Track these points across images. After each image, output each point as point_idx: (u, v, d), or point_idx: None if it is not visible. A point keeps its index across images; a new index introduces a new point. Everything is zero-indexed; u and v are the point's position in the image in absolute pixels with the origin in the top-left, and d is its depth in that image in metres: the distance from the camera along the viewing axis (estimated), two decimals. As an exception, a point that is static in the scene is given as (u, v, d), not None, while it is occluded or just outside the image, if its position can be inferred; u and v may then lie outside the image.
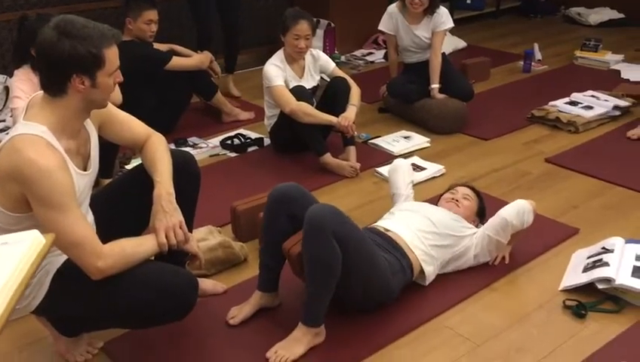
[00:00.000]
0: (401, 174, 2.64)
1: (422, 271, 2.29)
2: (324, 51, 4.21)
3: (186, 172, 2.01)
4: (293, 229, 2.11)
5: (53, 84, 1.69)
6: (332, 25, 5.26)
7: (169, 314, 1.86)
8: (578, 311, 2.20)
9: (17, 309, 2.14)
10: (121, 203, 2.00)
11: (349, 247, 1.97)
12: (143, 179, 1.94)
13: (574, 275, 2.36)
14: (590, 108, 3.84)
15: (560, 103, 3.91)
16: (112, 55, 1.70)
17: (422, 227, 2.32)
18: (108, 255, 1.70)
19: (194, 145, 3.60)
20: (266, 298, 2.22)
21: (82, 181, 1.78)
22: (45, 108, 1.71)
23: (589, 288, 2.28)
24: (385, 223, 2.38)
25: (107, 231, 1.82)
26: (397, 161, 2.73)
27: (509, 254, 2.49)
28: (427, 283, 2.33)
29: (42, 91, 1.74)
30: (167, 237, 1.82)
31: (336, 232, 1.94)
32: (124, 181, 2.14)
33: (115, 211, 1.98)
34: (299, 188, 2.20)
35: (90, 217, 1.93)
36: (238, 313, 2.19)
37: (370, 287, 2.12)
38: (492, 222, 2.38)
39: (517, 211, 2.34)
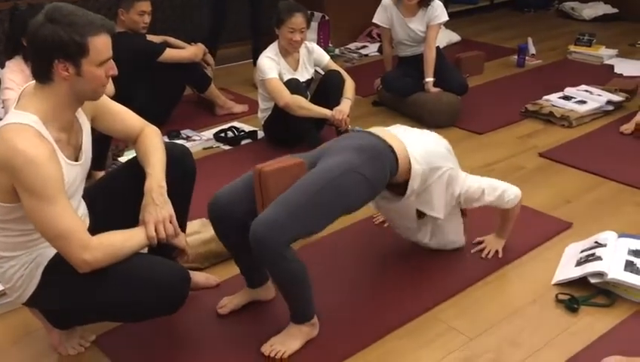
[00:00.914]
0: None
1: (409, 168, 2.15)
2: (318, 44, 4.19)
3: (181, 166, 2.00)
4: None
5: (40, 70, 1.69)
6: (326, 17, 5.24)
7: (159, 307, 1.85)
8: (570, 305, 2.20)
9: (9, 302, 2.16)
10: (115, 195, 1.99)
11: (311, 228, 1.92)
12: (136, 172, 1.92)
13: (567, 269, 2.37)
14: (584, 102, 3.85)
15: (554, 98, 3.92)
16: (99, 44, 1.67)
17: (408, 130, 2.30)
18: (95, 247, 1.68)
19: (187, 138, 3.59)
20: (256, 292, 2.21)
21: (72, 171, 1.76)
22: (36, 97, 1.71)
23: (581, 282, 2.28)
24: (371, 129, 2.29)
25: (101, 224, 1.81)
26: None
27: (502, 249, 2.49)
28: (414, 187, 2.18)
29: (34, 81, 1.73)
30: (156, 230, 1.80)
31: (285, 242, 1.83)
32: (118, 174, 2.13)
33: (108, 204, 1.97)
34: (230, 194, 2.03)
35: (83, 209, 1.91)
36: (229, 302, 2.19)
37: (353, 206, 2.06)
38: (487, 178, 2.40)
39: (509, 186, 2.37)
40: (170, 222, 1.83)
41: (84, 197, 1.93)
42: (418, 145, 2.20)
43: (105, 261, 1.72)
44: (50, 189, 1.63)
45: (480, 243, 2.53)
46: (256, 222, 1.84)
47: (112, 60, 1.74)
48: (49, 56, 1.65)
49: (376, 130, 2.23)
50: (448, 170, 2.25)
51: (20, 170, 1.60)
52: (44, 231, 1.68)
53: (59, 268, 1.77)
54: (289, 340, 2.02)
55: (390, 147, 2.13)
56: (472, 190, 2.32)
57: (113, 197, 1.99)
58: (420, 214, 2.34)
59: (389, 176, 2.12)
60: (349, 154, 2.04)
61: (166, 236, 1.82)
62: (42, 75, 1.69)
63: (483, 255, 2.47)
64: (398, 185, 2.22)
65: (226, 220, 2.03)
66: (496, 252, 2.48)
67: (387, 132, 2.23)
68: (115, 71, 1.76)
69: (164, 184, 1.87)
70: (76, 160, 1.80)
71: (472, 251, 2.50)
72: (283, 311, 2.09)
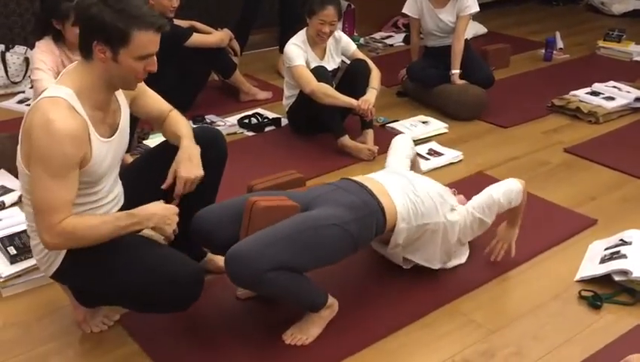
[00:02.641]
0: (394, 152, 2.54)
1: (394, 222, 2.12)
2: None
3: (214, 148, 2.03)
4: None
5: (82, 45, 1.72)
6: (352, 6, 5.22)
7: (170, 302, 1.87)
8: (594, 302, 2.19)
9: (35, 278, 2.20)
10: (148, 177, 2.01)
11: (288, 260, 1.85)
12: (170, 155, 1.96)
13: (591, 266, 2.35)
14: (612, 99, 3.80)
15: (581, 93, 3.87)
16: (143, 39, 1.68)
17: (401, 183, 2.21)
18: (58, 233, 1.69)
19: (211, 123, 3.60)
20: None
21: (103, 148, 1.78)
22: (75, 72, 1.75)
23: (605, 279, 2.27)
24: (359, 177, 2.25)
25: (134, 206, 1.84)
26: (394, 140, 2.60)
27: (525, 243, 2.47)
28: (398, 241, 2.16)
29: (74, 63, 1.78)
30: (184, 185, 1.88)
31: (261, 270, 1.79)
32: (150, 156, 2.16)
33: (142, 185, 1.99)
34: (215, 216, 1.98)
35: (119, 189, 1.95)
36: None
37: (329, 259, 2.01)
38: (478, 199, 2.28)
39: (505, 190, 2.25)
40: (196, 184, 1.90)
41: (120, 179, 1.96)
42: (408, 203, 2.14)
43: (65, 245, 1.76)
44: (59, 167, 1.65)
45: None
46: (230, 252, 1.82)
47: (154, 57, 1.74)
48: (91, 35, 1.67)
49: (371, 184, 2.16)
50: (440, 224, 2.19)
51: (38, 135, 1.63)
52: (31, 198, 1.73)
53: (82, 251, 1.79)
54: (309, 327, 2.03)
55: (381, 207, 2.09)
56: (469, 224, 2.26)
57: (146, 179, 2.02)
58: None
59: (375, 235, 2.10)
60: (341, 209, 2.01)
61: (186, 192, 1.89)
62: (84, 50, 1.72)
63: (492, 257, 2.37)
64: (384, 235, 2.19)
65: (208, 242, 2.05)
66: (509, 251, 2.36)
67: (381, 187, 2.15)
68: (154, 67, 1.76)
69: (199, 149, 1.94)
70: (109, 138, 1.82)
71: (486, 251, 2.39)
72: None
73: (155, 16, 1.71)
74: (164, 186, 1.94)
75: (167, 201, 1.92)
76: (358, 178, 2.24)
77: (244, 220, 1.95)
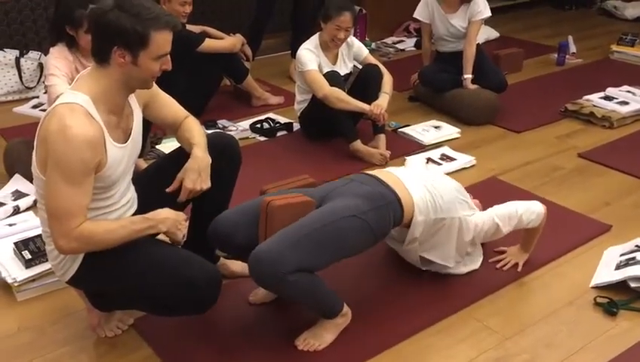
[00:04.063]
0: (409, 164, 2.55)
1: (412, 214, 2.10)
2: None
3: (228, 154, 2.04)
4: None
5: (98, 52, 1.73)
6: (363, 11, 5.22)
7: (189, 305, 1.86)
8: (609, 309, 2.17)
9: (50, 282, 2.21)
10: (161, 183, 2.01)
11: (309, 261, 1.86)
12: (184, 163, 1.96)
13: (606, 272, 2.33)
14: (626, 103, 3.77)
15: (595, 98, 3.85)
16: (160, 39, 1.71)
17: (419, 176, 2.21)
18: (75, 238, 1.70)
19: (223, 128, 3.61)
20: None
21: (118, 154, 1.79)
22: (90, 78, 1.76)
23: (620, 286, 2.24)
24: (374, 171, 2.24)
25: (148, 211, 1.85)
26: (408, 158, 2.62)
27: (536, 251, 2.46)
28: (415, 235, 2.14)
29: (88, 68, 1.78)
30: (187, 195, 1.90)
31: (284, 271, 1.79)
32: (164, 163, 2.17)
33: (155, 191, 1.99)
34: (231, 220, 1.99)
35: (132, 193, 1.95)
36: (261, 293, 2.20)
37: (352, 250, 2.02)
38: (502, 207, 2.28)
39: (527, 208, 2.26)
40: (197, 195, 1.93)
41: (133, 182, 1.97)
42: (426, 195, 2.13)
43: (81, 250, 1.78)
44: (74, 172, 1.66)
45: (501, 252, 2.45)
46: (254, 254, 1.82)
47: (168, 56, 1.77)
48: (110, 41, 1.68)
49: (386, 176, 2.17)
50: (456, 219, 2.18)
51: (55, 141, 1.64)
52: (46, 203, 1.73)
53: (100, 255, 1.80)
54: (323, 333, 2.02)
55: (398, 198, 2.08)
56: (487, 228, 2.26)
57: (159, 185, 2.01)
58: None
59: (392, 226, 2.10)
60: (357, 200, 2.02)
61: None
62: (100, 56, 1.73)
63: (499, 266, 2.38)
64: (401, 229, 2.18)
65: (226, 246, 2.06)
66: (515, 264, 2.38)
67: (396, 179, 2.16)
68: (169, 66, 1.79)
69: (210, 160, 1.95)
70: (124, 143, 1.83)
71: (490, 260, 2.41)
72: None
73: (169, 15, 1.75)
74: (168, 190, 1.95)
75: (173, 207, 1.92)
76: (373, 172, 2.24)
77: (260, 221, 1.95)
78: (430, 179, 2.22)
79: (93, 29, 1.74)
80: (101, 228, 1.76)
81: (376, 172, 2.24)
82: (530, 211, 2.26)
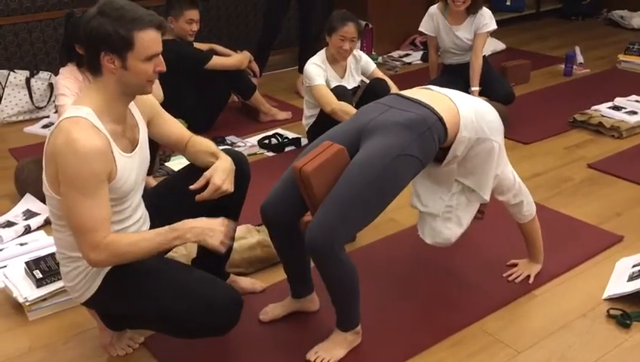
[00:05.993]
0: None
1: (456, 130, 2.03)
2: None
3: (238, 171, 2.03)
4: (300, 240, 1.96)
5: (90, 62, 1.73)
6: (370, 26, 5.24)
7: (210, 327, 1.84)
8: (622, 321, 2.15)
9: (62, 301, 2.22)
10: (172, 199, 2.03)
11: (364, 222, 1.92)
12: (195, 179, 1.96)
13: (619, 284, 2.31)
14: (634, 113, 3.76)
15: (603, 108, 3.84)
16: (146, 39, 1.69)
17: (465, 95, 2.17)
18: (103, 249, 1.70)
19: (232, 144, 3.63)
20: (300, 303, 2.22)
21: (127, 163, 1.78)
22: (90, 90, 1.76)
23: (634, 297, 2.22)
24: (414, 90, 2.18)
25: (159, 226, 1.84)
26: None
27: (550, 263, 2.44)
28: (456, 153, 2.06)
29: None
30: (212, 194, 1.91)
31: (341, 244, 1.86)
32: (175, 179, 2.17)
33: (166, 208, 2.00)
34: (276, 200, 2.02)
35: (142, 210, 1.95)
36: (271, 311, 2.20)
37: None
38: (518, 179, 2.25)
39: (531, 203, 2.28)
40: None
41: (144, 199, 1.96)
42: (471, 112, 2.06)
43: (109, 262, 1.76)
44: (87, 183, 1.66)
45: (513, 265, 2.44)
46: (310, 229, 1.85)
47: (160, 57, 1.75)
48: (97, 48, 1.69)
49: (427, 94, 2.09)
50: (496, 144, 2.09)
51: (66, 156, 1.64)
52: (67, 220, 1.73)
53: (117, 276, 1.81)
54: (334, 348, 2.02)
55: (440, 117, 2.00)
56: (506, 177, 2.20)
57: (171, 200, 2.03)
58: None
59: (437, 148, 2.03)
60: (398, 133, 1.93)
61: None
62: (92, 67, 1.73)
63: (511, 278, 2.38)
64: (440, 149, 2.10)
65: (277, 227, 2.05)
66: (527, 277, 2.37)
67: (439, 95, 2.09)
68: (163, 67, 1.77)
69: (235, 168, 1.98)
70: (131, 153, 1.82)
71: (504, 274, 2.40)
72: (326, 320, 2.10)
73: (153, 14, 1.73)
74: (193, 186, 1.93)
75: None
76: (412, 91, 2.19)
77: (302, 191, 1.92)
78: (475, 100, 2.20)
79: (82, 40, 1.75)
80: (127, 240, 1.76)
81: (414, 90, 2.17)
82: (530, 205, 2.28)
